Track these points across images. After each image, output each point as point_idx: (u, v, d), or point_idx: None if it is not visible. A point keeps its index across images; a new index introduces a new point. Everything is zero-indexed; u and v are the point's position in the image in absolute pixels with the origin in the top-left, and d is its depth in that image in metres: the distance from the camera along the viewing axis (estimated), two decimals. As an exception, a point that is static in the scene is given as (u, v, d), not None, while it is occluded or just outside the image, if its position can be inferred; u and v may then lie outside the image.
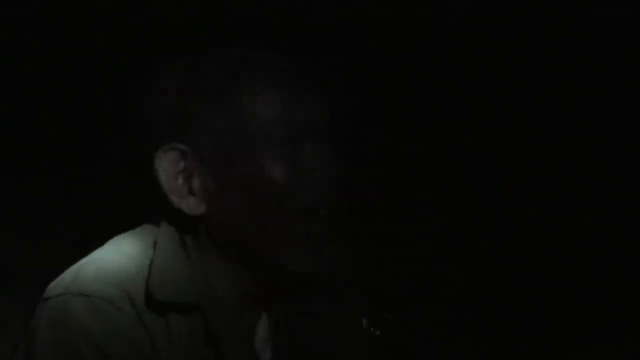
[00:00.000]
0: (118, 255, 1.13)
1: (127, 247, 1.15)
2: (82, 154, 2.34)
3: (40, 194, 2.34)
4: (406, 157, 2.26)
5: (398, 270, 2.25)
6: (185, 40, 2.18)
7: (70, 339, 1.06)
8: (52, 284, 1.13)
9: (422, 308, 2.26)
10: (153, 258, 1.12)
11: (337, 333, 1.25)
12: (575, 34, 2.20)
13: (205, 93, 1.14)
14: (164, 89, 1.14)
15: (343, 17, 2.06)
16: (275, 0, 2.10)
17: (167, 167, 1.12)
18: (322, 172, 1.13)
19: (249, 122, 1.12)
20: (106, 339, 1.06)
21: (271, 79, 1.14)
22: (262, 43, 1.20)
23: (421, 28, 2.19)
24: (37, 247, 2.27)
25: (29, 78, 2.32)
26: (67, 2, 2.25)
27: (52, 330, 1.07)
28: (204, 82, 1.14)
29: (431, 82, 2.26)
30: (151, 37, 2.22)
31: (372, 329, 1.27)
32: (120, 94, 2.15)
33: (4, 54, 2.29)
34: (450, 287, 2.30)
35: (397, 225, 2.27)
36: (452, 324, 2.27)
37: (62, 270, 1.14)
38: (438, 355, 2.20)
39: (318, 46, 1.20)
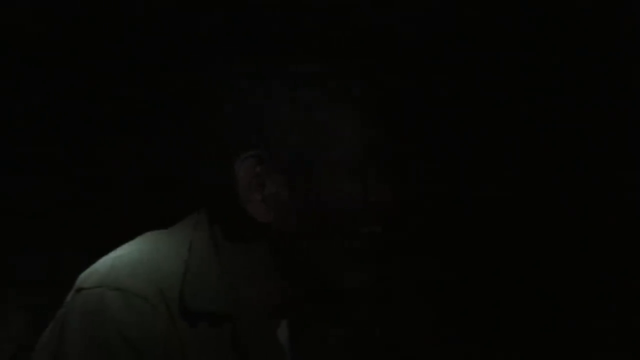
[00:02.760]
0: (154, 253, 1.15)
1: (162, 245, 1.16)
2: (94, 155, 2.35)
3: (50, 193, 2.34)
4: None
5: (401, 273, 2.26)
6: (185, 36, 2.19)
7: (104, 332, 1.07)
8: (85, 275, 1.14)
9: (415, 308, 2.26)
10: (188, 262, 1.14)
11: (353, 340, 1.26)
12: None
13: (286, 105, 1.15)
14: (245, 96, 1.16)
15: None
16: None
17: (246, 172, 1.14)
18: (383, 196, 1.17)
19: (330, 141, 1.15)
20: (139, 336, 1.07)
21: (350, 101, 1.17)
22: (259, 43, 1.22)
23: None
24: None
25: (51, 76, 2.32)
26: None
27: (85, 321, 1.08)
28: (285, 95, 1.16)
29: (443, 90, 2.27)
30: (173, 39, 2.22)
31: (377, 332, 1.29)
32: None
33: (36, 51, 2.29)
34: (448, 288, 2.31)
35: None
36: (450, 326, 2.28)
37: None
38: (435, 356, 2.20)
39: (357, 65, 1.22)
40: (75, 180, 2.35)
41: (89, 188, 2.34)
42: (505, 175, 2.29)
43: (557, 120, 2.27)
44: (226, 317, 1.13)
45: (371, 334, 1.29)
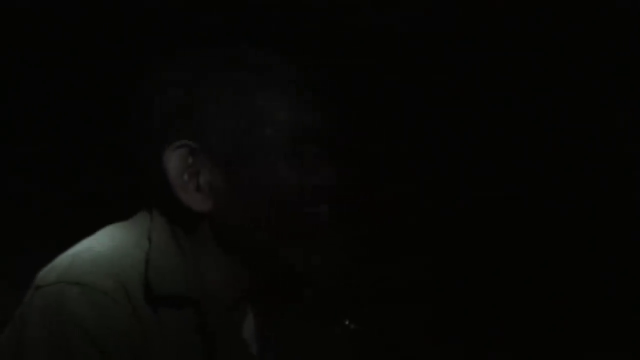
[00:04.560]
0: (113, 246, 1.13)
1: (121, 238, 1.15)
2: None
3: (50, 193, 2.35)
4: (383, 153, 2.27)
5: (383, 268, 2.26)
6: (185, 37, 2.19)
7: (64, 329, 1.05)
8: (44, 271, 1.12)
9: (415, 307, 2.26)
10: (149, 252, 1.13)
11: (322, 329, 1.26)
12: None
13: (215, 91, 1.14)
14: (172, 85, 1.14)
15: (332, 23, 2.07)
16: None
17: (176, 163, 1.12)
18: (324, 176, 1.16)
19: (262, 124, 1.14)
20: (100, 331, 1.06)
21: (282, 83, 1.15)
22: (259, 43, 1.21)
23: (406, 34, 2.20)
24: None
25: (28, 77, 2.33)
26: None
27: (44, 319, 1.06)
28: (214, 80, 1.14)
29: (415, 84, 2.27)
30: (147, 34, 2.22)
31: (352, 326, 1.28)
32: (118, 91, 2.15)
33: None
34: (448, 288, 2.31)
35: (380, 222, 2.27)
36: (449, 326, 2.28)
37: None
38: (435, 356, 2.21)
39: (305, 49, 1.21)
40: (75, 180, 2.35)
41: (89, 188, 2.34)
42: (505, 176, 2.29)
43: (557, 121, 2.27)
44: (192, 302, 1.12)
45: (341, 325, 1.28)
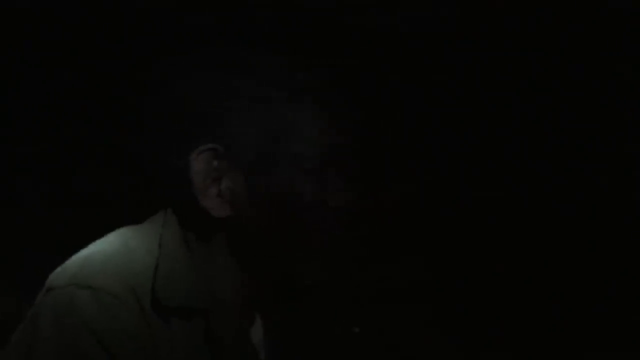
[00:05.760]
0: (124, 250, 1.14)
1: (132, 242, 1.15)
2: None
3: (50, 193, 2.35)
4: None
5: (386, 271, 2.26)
6: (186, 37, 2.19)
7: (74, 332, 1.06)
8: (55, 273, 1.12)
9: (415, 307, 2.26)
10: (158, 259, 1.13)
11: (328, 335, 1.26)
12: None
13: (246, 98, 1.14)
14: (201, 88, 1.14)
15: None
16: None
17: (202, 166, 1.12)
18: (342, 198, 1.16)
19: (290, 139, 1.14)
20: (110, 334, 1.07)
21: (313, 97, 1.15)
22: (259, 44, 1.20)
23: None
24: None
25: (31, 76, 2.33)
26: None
27: (56, 322, 1.07)
28: (246, 86, 1.14)
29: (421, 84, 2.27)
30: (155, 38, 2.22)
31: (357, 330, 1.29)
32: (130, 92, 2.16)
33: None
34: (448, 288, 2.31)
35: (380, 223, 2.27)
36: (449, 326, 2.28)
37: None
38: (435, 356, 2.20)
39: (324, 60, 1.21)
40: (76, 180, 2.35)
41: (89, 188, 2.34)
42: (504, 176, 2.29)
43: (557, 120, 2.27)
44: (199, 311, 1.12)
45: (349, 332, 1.28)
